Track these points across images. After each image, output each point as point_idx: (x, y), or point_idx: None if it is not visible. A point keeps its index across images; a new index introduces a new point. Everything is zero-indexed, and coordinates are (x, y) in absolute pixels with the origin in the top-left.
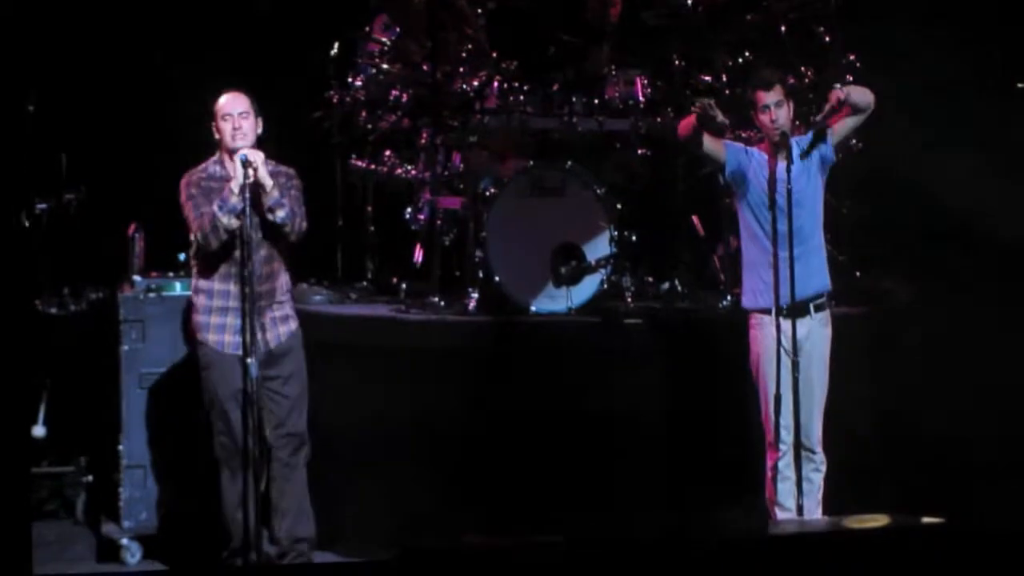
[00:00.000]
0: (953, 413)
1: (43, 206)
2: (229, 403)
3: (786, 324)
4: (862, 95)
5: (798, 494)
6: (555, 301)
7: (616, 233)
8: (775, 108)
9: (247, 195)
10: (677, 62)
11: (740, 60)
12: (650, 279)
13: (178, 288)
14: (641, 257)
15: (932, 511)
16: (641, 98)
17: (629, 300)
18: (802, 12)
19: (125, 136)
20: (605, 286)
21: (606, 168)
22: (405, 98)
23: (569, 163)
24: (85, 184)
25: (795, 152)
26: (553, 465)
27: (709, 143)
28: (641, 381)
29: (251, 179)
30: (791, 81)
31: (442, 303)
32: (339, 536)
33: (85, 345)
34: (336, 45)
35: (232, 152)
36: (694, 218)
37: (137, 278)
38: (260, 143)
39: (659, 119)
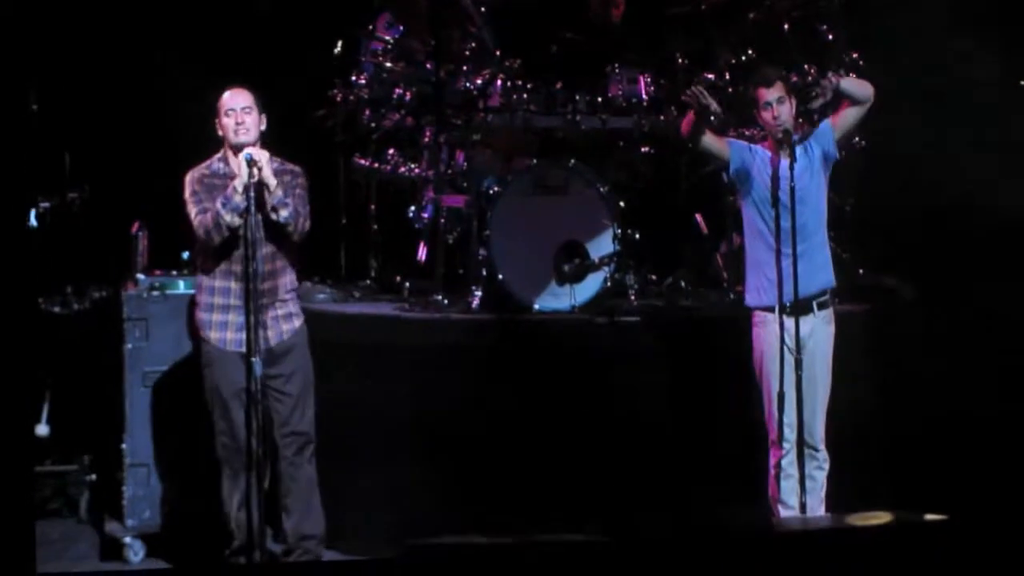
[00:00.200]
0: (955, 411)
1: (46, 205)
2: (231, 401)
3: (789, 322)
4: (858, 84)
5: (801, 492)
6: (558, 299)
7: (619, 231)
8: (776, 105)
9: (251, 194)
10: (680, 60)
11: (743, 58)
12: (653, 277)
13: (181, 286)
14: (644, 255)
15: (935, 509)
16: (644, 96)
17: (632, 298)
18: (805, 10)
19: (128, 135)
20: (608, 284)
21: (609, 166)
22: (408, 96)
23: (572, 161)
24: (88, 182)
25: (798, 149)
26: (556, 463)
27: (712, 140)
28: (644, 379)
29: (255, 178)
30: (794, 79)
31: (445, 301)
32: (341, 534)
33: (88, 344)
34: (340, 43)
35: (235, 148)
36: (697, 216)
37: (140, 276)
38: (263, 139)
39: (662, 117)
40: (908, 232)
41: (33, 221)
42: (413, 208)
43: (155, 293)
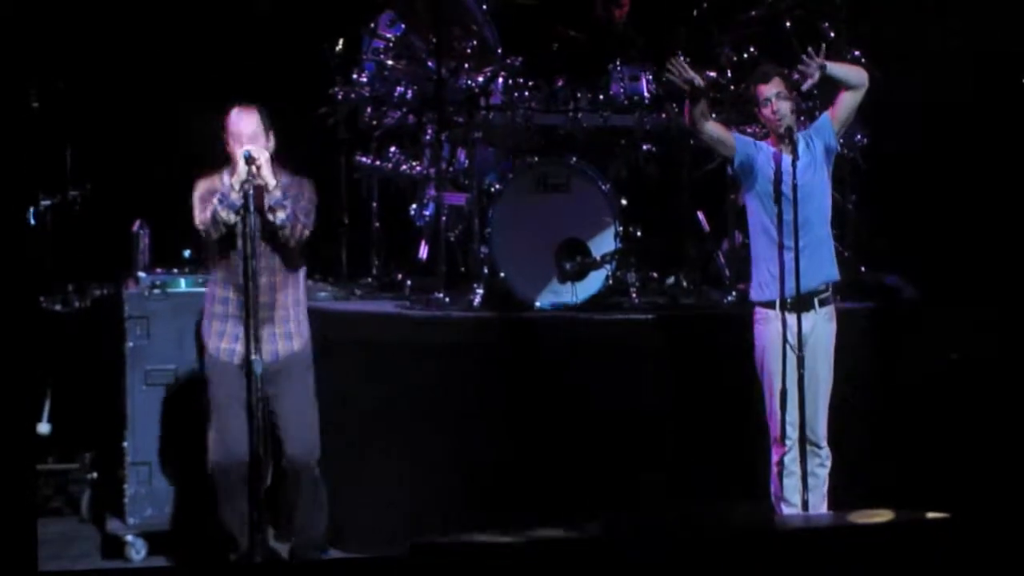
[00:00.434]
0: (958, 409)
1: (48, 202)
2: (226, 409)
3: (791, 319)
4: (848, 68)
5: (803, 489)
6: (560, 297)
7: (621, 229)
8: (776, 100)
9: (250, 192)
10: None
11: (744, 56)
12: (655, 275)
13: (183, 284)
14: (646, 253)
15: (937, 507)
16: (646, 94)
17: (634, 296)
18: (806, 8)
19: (129, 132)
20: (610, 282)
21: (611, 164)
22: (410, 94)
23: (574, 159)
24: (90, 180)
25: (801, 145)
26: (558, 460)
27: (717, 128)
28: (646, 377)
29: (254, 176)
30: (795, 77)
31: (447, 299)
32: (343, 533)
33: (90, 342)
34: (341, 41)
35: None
36: (699, 214)
37: (142, 274)
38: (273, 159)
39: (664, 115)
40: (909, 231)
41: (32, 219)
42: (414, 206)
43: (156, 291)
